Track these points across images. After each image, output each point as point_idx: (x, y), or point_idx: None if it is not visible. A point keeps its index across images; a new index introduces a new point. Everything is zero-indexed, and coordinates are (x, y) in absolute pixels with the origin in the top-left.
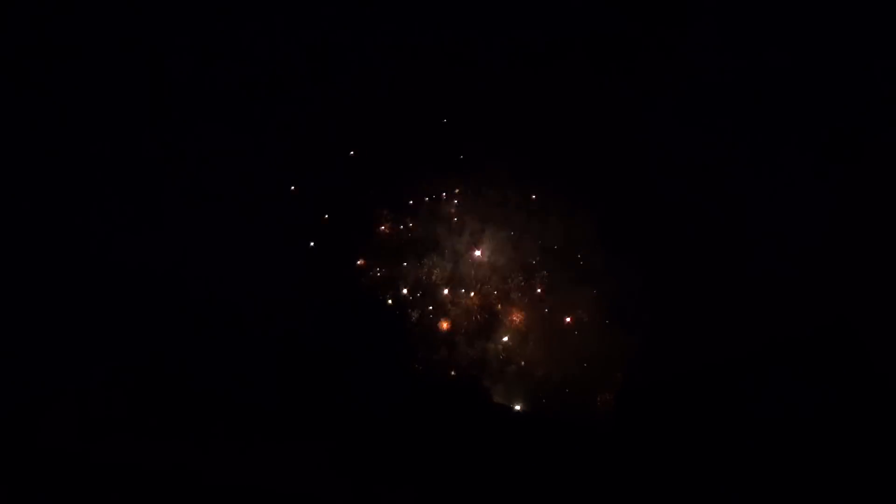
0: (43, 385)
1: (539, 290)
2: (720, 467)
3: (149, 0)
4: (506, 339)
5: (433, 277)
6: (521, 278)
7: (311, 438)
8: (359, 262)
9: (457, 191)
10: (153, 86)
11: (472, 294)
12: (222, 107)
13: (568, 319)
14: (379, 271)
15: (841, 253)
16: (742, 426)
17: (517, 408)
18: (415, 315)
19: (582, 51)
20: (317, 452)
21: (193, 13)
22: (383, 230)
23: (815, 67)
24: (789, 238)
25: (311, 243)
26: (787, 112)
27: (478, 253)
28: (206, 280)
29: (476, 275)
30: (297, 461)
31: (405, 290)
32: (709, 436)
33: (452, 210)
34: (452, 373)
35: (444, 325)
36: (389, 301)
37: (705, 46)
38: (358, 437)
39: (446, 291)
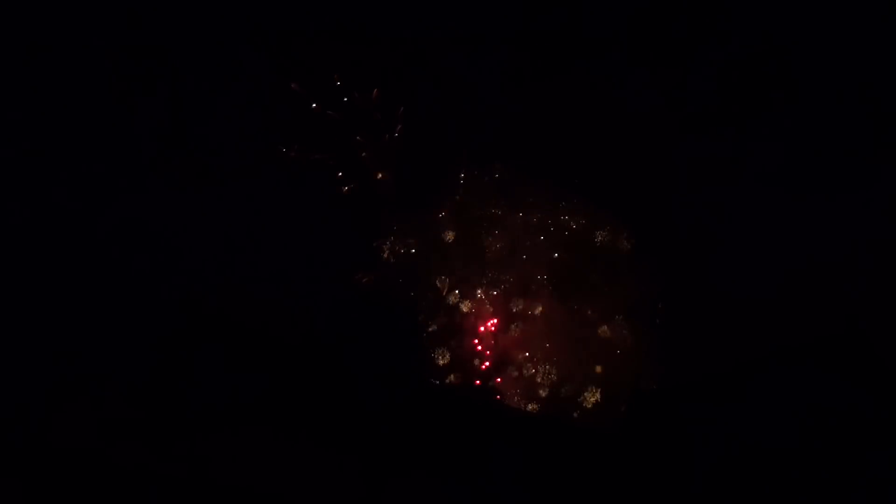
0: (56, 385)
1: (553, 294)
2: (729, 470)
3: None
4: (518, 341)
5: (446, 278)
6: (535, 282)
7: (322, 441)
8: (368, 262)
9: (475, 192)
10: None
11: (485, 296)
12: (230, 109)
13: (583, 323)
14: (390, 271)
15: (850, 259)
16: (753, 428)
17: (529, 410)
18: (425, 315)
19: (597, 59)
20: (329, 455)
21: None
22: (394, 229)
23: (825, 80)
24: (799, 245)
25: (315, 244)
26: (799, 124)
27: (493, 255)
28: (214, 282)
29: (490, 277)
30: (308, 464)
31: (416, 291)
32: (719, 439)
33: (469, 212)
34: (462, 374)
35: (457, 326)
36: (400, 300)
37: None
38: (366, 439)
39: (459, 293)
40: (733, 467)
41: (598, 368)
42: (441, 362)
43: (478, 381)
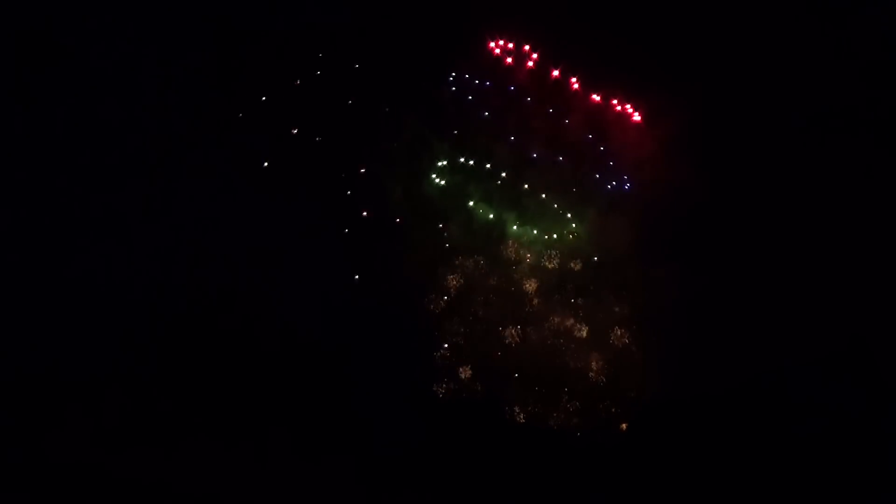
0: (49, 396)
1: (570, 301)
2: (738, 476)
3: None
4: (529, 350)
5: (457, 286)
6: (547, 290)
7: (321, 448)
8: (369, 272)
9: (488, 197)
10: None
11: (497, 306)
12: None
13: (591, 332)
14: (398, 277)
15: (855, 278)
16: (761, 437)
17: (539, 420)
18: (427, 325)
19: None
20: (327, 462)
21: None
22: (408, 236)
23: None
24: (808, 263)
25: (316, 253)
26: (807, 145)
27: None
28: (213, 292)
29: (502, 286)
30: (307, 469)
31: (426, 298)
32: (728, 447)
33: (475, 222)
34: (465, 384)
35: (459, 335)
36: (401, 310)
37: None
38: (370, 450)
39: (470, 301)
40: (734, 473)
41: (603, 379)
42: (442, 371)
43: (480, 390)
